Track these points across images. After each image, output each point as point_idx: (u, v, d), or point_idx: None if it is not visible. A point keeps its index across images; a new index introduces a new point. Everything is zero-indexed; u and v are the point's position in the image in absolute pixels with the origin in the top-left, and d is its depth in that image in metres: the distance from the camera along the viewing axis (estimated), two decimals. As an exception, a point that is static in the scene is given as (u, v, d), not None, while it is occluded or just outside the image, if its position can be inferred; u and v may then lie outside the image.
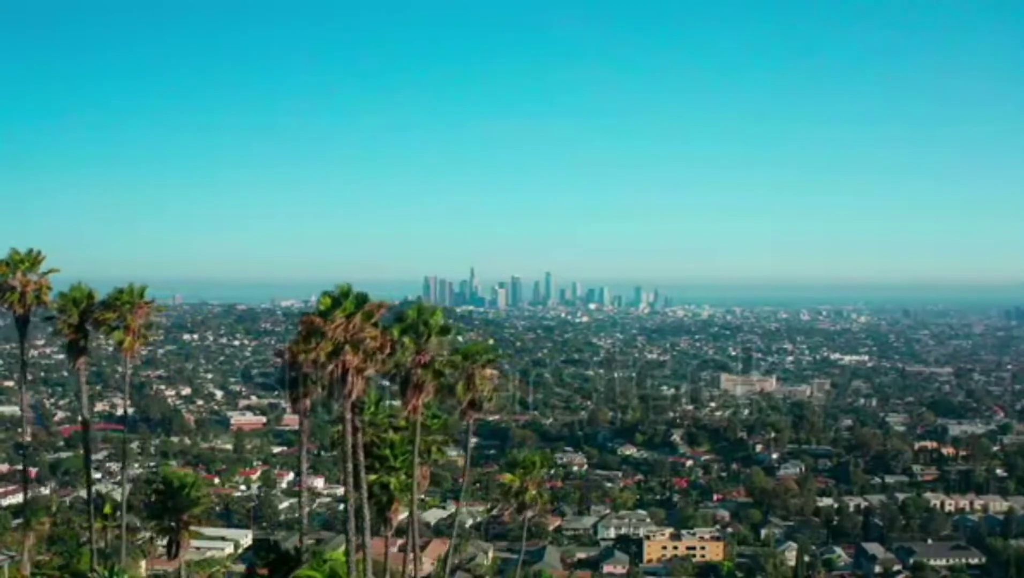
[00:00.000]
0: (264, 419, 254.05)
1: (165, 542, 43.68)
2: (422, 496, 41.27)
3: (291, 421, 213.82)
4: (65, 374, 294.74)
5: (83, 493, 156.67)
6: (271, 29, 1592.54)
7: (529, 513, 51.87)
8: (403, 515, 49.12)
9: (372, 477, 38.57)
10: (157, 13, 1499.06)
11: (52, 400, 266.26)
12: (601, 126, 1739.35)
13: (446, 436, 42.02)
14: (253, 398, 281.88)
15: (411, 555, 46.54)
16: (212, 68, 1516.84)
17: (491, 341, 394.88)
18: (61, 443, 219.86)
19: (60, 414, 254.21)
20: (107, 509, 54.08)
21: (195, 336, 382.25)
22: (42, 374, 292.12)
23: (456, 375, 37.32)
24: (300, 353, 32.79)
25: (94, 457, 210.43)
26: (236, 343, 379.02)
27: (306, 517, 42.57)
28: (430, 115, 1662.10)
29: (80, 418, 46.79)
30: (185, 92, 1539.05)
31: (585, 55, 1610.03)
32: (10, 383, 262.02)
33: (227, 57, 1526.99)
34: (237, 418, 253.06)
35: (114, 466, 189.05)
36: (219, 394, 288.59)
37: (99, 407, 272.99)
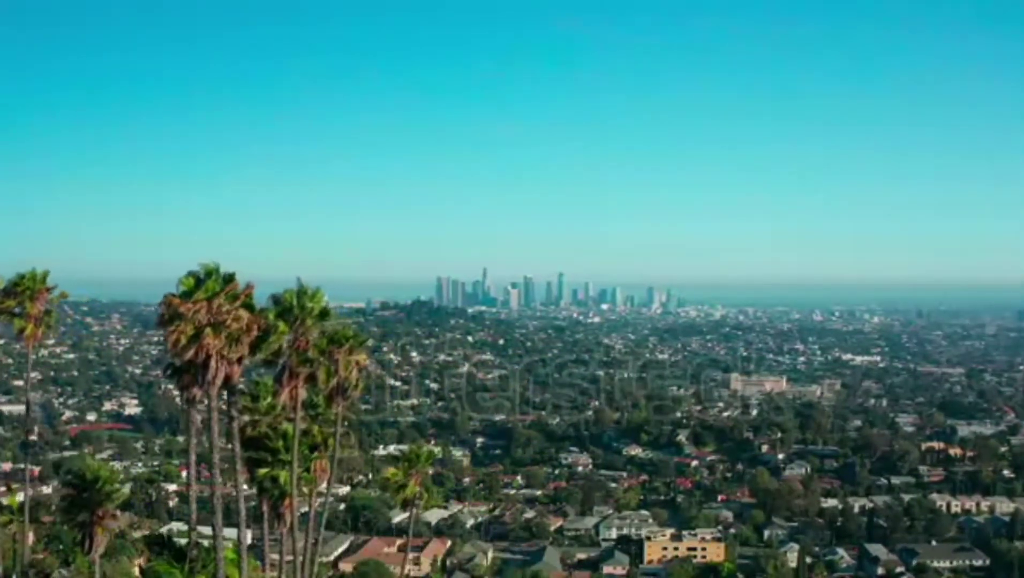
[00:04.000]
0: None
1: (79, 538, 42.71)
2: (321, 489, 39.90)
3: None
4: (75, 373, 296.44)
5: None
6: (273, 29, 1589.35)
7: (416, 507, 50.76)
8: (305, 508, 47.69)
9: (263, 471, 37.48)
10: (158, 13, 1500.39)
11: (61, 399, 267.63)
12: (612, 126, 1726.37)
13: (346, 428, 40.79)
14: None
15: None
16: (215, 68, 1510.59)
17: (501, 341, 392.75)
18: (67, 442, 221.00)
19: (68, 413, 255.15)
20: (12, 501, 53.28)
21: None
22: (52, 373, 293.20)
23: (321, 360, 36.00)
24: (166, 338, 31.63)
25: (99, 456, 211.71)
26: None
27: (194, 511, 41.50)
28: (438, 115, 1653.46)
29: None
30: (187, 92, 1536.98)
31: (593, 55, 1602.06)
32: (19, 382, 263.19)
33: (229, 58, 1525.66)
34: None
35: (116, 465, 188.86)
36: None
37: (107, 406, 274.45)
